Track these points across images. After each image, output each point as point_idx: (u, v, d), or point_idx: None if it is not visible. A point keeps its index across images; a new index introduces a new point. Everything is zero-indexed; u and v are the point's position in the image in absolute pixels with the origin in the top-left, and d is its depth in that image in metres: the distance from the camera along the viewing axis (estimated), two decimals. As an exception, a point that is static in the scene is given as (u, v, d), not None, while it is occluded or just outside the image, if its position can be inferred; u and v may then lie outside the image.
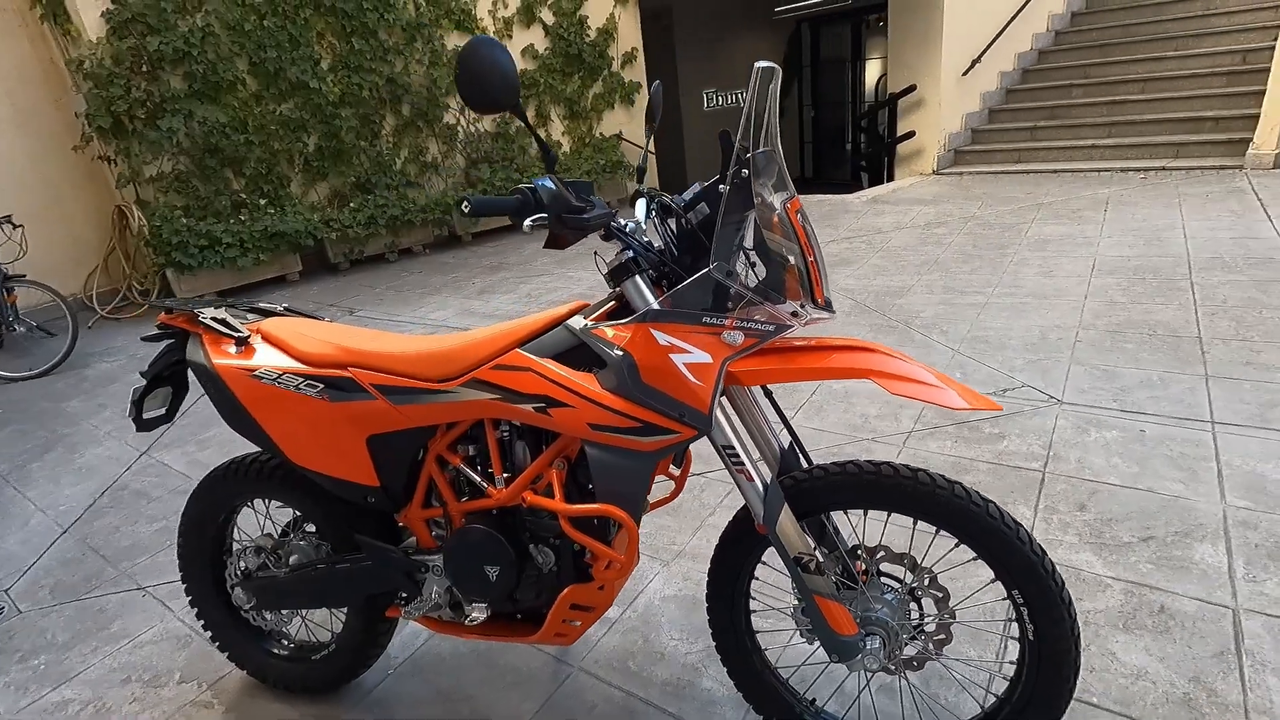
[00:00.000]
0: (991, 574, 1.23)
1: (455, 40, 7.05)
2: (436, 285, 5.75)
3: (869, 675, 1.34)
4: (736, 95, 11.10)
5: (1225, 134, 6.30)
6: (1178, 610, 1.68)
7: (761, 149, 1.16)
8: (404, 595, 1.59)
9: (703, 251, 1.29)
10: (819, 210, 6.81)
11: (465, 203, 1.12)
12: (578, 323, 1.29)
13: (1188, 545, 1.88)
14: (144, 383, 1.60)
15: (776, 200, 1.21)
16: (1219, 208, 5.07)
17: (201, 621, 1.79)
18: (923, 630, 1.32)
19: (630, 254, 1.25)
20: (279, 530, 1.73)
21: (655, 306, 1.22)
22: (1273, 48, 6.32)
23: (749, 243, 1.19)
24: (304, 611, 1.80)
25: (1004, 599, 1.23)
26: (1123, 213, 5.29)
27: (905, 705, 1.50)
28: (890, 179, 8.17)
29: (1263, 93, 5.96)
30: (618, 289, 1.30)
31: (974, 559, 1.24)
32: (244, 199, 5.95)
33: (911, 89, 7.42)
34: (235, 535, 1.79)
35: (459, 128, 7.22)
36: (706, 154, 10.55)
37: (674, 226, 1.37)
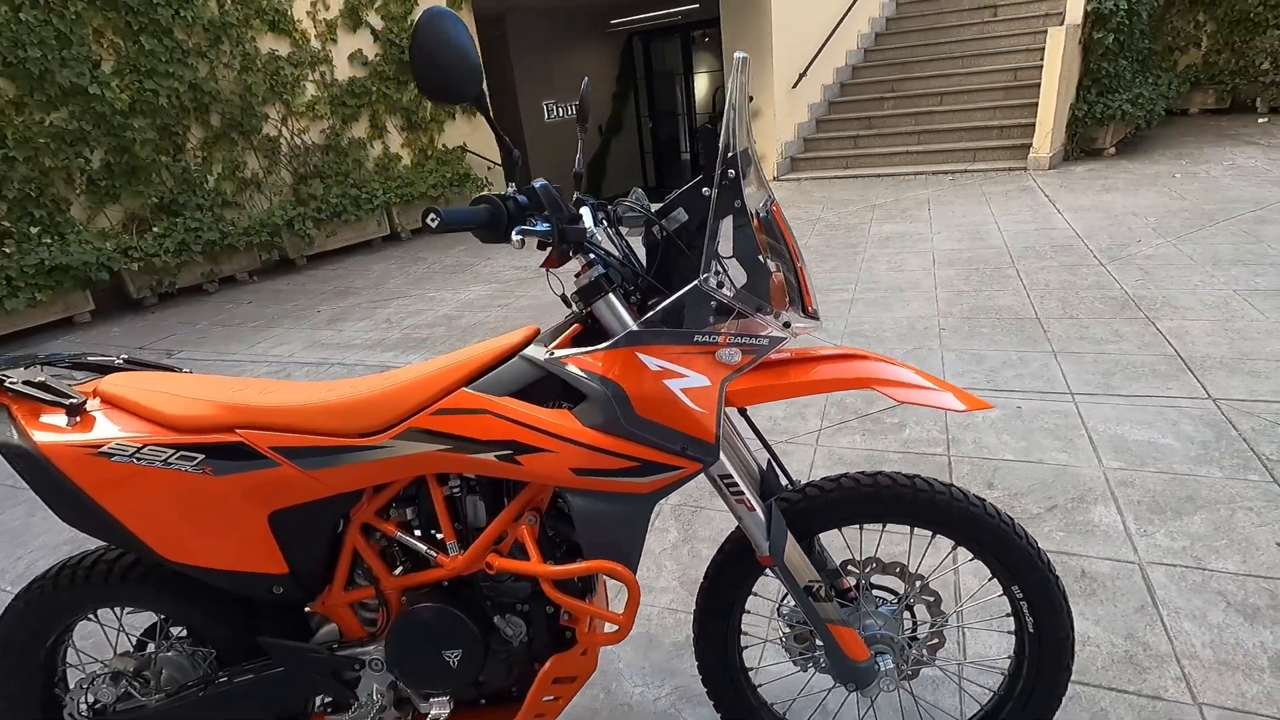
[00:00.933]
0: (988, 572, 1.23)
1: (270, 43, 6.34)
2: (273, 316, 5.09)
3: (874, 697, 1.28)
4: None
5: (1010, 140, 7.27)
6: (1096, 572, 1.82)
7: (743, 146, 1.06)
8: (328, 703, 1.29)
9: (673, 263, 1.17)
10: (676, 218, 6.93)
11: (433, 215, 0.91)
12: (538, 353, 1.11)
13: (1086, 509, 2.05)
14: None
15: (759, 203, 1.11)
16: (1018, 204, 5.81)
17: None
18: (915, 638, 1.29)
19: (601, 270, 1.09)
20: (135, 642, 1.36)
21: (635, 327, 1.07)
22: (1038, 67, 7.41)
23: (738, 250, 1.08)
24: None
25: (1000, 595, 1.22)
26: (944, 210, 5.89)
27: (906, 713, 1.46)
28: (735, 186, 8.55)
29: (1035, 105, 6.96)
30: (583, 310, 1.13)
31: (961, 557, 1.22)
32: (8, 227, 4.89)
33: (748, 100, 7.82)
34: (67, 660, 1.38)
35: (281, 140, 6.49)
36: (551, 168, 10.42)
37: (626, 238, 1.23)
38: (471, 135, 8.20)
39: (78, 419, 1.13)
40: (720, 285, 1.06)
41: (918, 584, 1.25)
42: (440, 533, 1.19)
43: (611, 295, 1.08)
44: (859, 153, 7.90)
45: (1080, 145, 7.24)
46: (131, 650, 1.33)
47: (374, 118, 7.24)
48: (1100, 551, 1.88)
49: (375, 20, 7.09)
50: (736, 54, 1.04)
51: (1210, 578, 1.75)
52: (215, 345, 4.53)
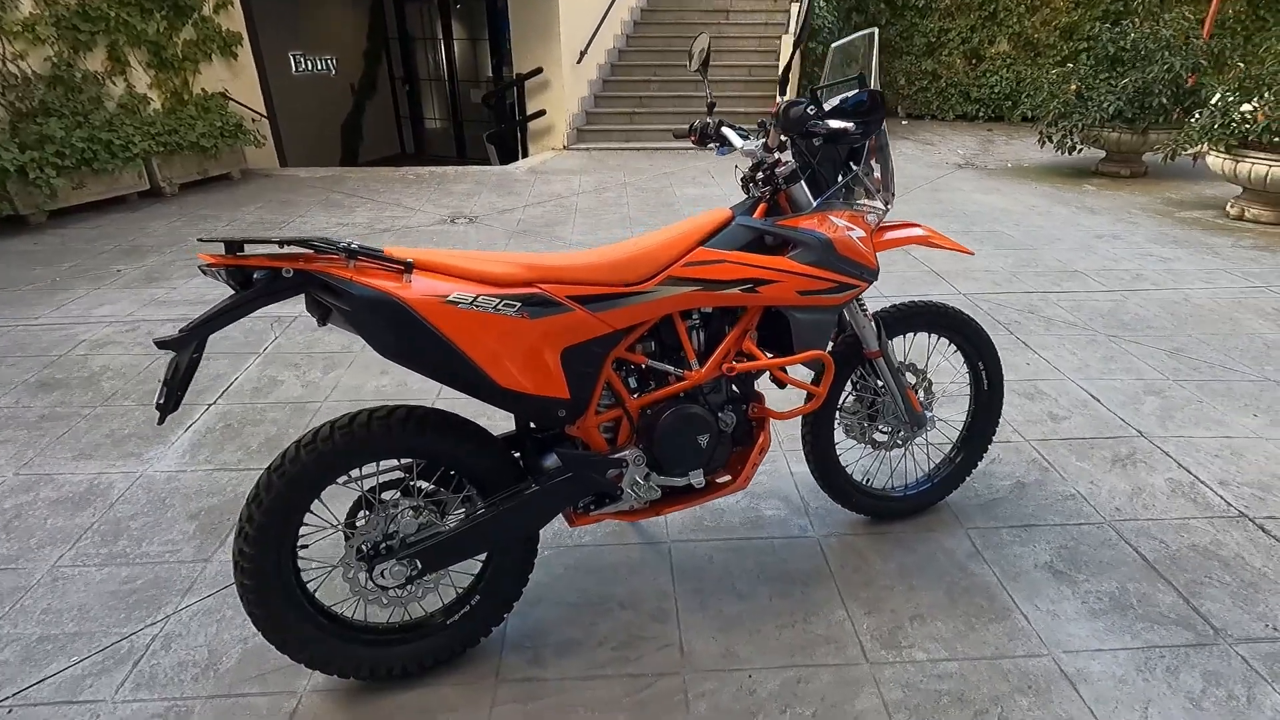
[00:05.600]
0: (968, 365, 2.09)
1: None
2: (55, 278, 4.25)
3: (906, 446, 2.08)
4: (327, 61, 10.30)
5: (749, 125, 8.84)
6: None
7: (878, 88, 1.71)
8: (590, 502, 1.66)
9: (825, 160, 1.77)
10: (493, 180, 7.14)
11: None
12: (752, 221, 1.64)
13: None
14: (187, 355, 1.29)
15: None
16: (777, 175, 7.26)
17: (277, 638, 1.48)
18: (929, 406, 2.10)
19: (795, 163, 1.66)
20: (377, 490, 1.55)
21: (816, 203, 1.67)
22: (767, 65, 9.09)
23: (872, 155, 1.74)
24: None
25: (968, 372, 2.09)
26: (729, 177, 7.09)
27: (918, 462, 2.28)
28: (525, 153, 8.91)
29: (770, 96, 8.58)
30: (774, 191, 1.68)
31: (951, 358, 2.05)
32: None
33: (538, 71, 8.22)
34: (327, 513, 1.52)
35: (-11, 66, 5.17)
36: (306, 126, 9.57)
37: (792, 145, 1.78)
38: (233, 81, 7.27)
39: (411, 278, 1.36)
40: (868, 174, 1.72)
41: (924, 378, 2.06)
42: (686, 355, 1.65)
43: (803, 181, 1.67)
44: (636, 127, 8.86)
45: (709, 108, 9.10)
46: (423, 490, 1.53)
47: (113, 49, 6.06)
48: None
49: (104, -69, 5.92)
50: (871, 31, 1.69)
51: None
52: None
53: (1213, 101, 5.48)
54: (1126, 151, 6.98)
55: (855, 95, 1.69)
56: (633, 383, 1.68)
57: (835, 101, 1.83)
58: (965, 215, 5.66)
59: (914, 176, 7.07)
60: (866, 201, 1.76)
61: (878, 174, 1.80)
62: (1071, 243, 4.94)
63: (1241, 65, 5.62)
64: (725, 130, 1.85)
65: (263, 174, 7.38)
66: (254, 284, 1.32)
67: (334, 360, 3.19)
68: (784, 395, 2.39)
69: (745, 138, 1.81)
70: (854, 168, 1.73)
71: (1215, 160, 5.39)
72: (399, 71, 12.13)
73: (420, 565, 1.49)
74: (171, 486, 2.32)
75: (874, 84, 1.73)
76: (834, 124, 1.58)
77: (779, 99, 1.68)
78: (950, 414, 2.48)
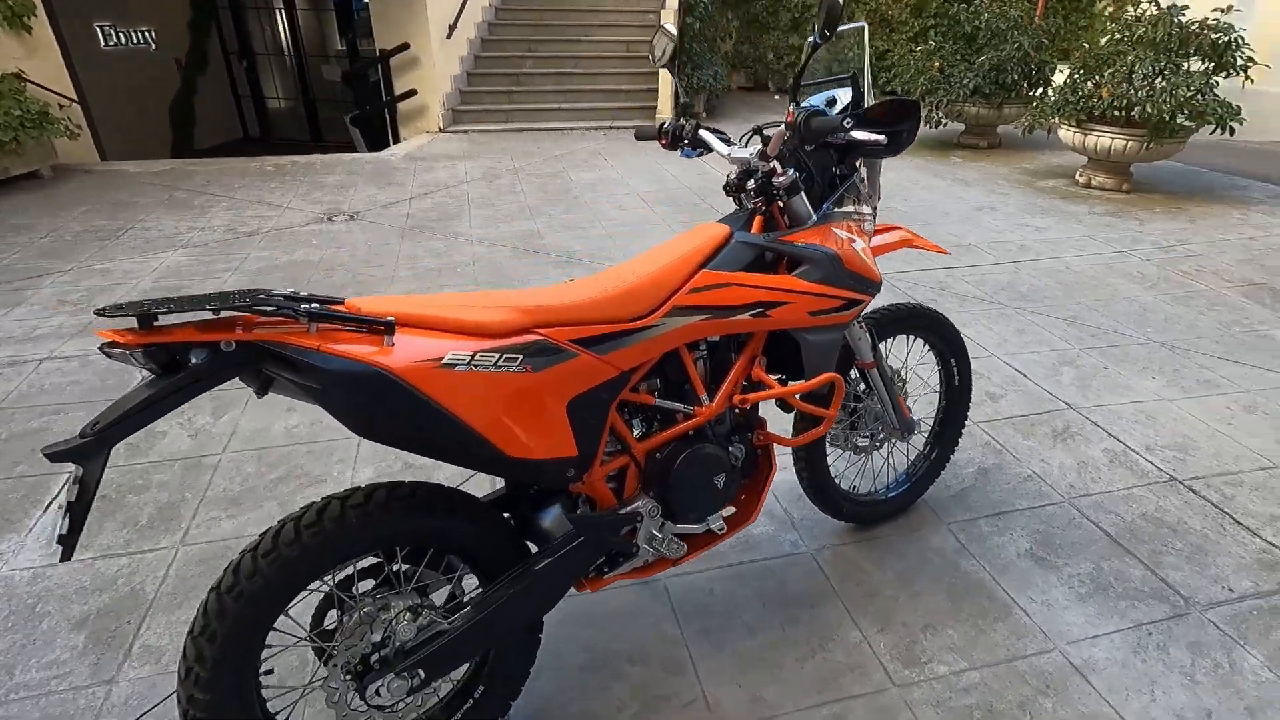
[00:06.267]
0: (940, 361, 2.08)
1: None
2: None
3: (889, 452, 2.06)
4: (144, 33, 8.93)
5: (638, 103, 8.69)
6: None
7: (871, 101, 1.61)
8: (602, 563, 1.48)
9: (816, 164, 1.65)
10: (368, 169, 6.50)
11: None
12: (753, 238, 1.50)
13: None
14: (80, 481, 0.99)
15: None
16: (671, 155, 7.15)
17: None
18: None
19: (796, 174, 1.53)
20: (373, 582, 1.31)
21: (815, 216, 1.55)
22: (643, 40, 8.93)
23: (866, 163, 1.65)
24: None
25: (940, 369, 2.09)
26: (618, 160, 6.91)
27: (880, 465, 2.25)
28: (395, 137, 8.21)
29: (646, 72, 8.45)
30: (760, 203, 1.54)
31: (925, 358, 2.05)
32: None
33: (405, 47, 7.55)
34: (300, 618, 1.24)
35: None
36: (125, 106, 8.28)
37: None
38: (28, 60, 6.09)
39: (394, 340, 1.12)
40: (861, 181, 1.63)
41: (904, 379, 2.04)
42: (695, 389, 1.49)
43: (803, 193, 1.54)
44: (515, 107, 8.42)
45: (684, 110, 9.06)
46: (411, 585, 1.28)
47: None
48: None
49: None
50: (859, 24, 1.58)
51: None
52: None
53: (1062, 79, 5.99)
54: (984, 125, 7.53)
55: (884, 101, 1.58)
56: (637, 425, 1.50)
57: (820, 99, 1.72)
58: (857, 192, 5.85)
59: (800, 153, 7.23)
60: (857, 208, 1.67)
61: (866, 175, 1.72)
62: (958, 216, 5.24)
63: (1086, 45, 6.18)
64: (704, 134, 1.69)
65: (81, 170, 6.29)
66: (183, 366, 1.01)
67: (225, 399, 2.73)
68: (783, 416, 2.30)
69: (728, 142, 1.66)
70: (857, 171, 1.63)
71: (1066, 133, 5.90)
72: (233, 45, 10.79)
73: (424, 674, 1.26)
74: (40, 588, 1.86)
75: (867, 86, 1.63)
76: (862, 136, 1.44)
77: (793, 110, 1.54)
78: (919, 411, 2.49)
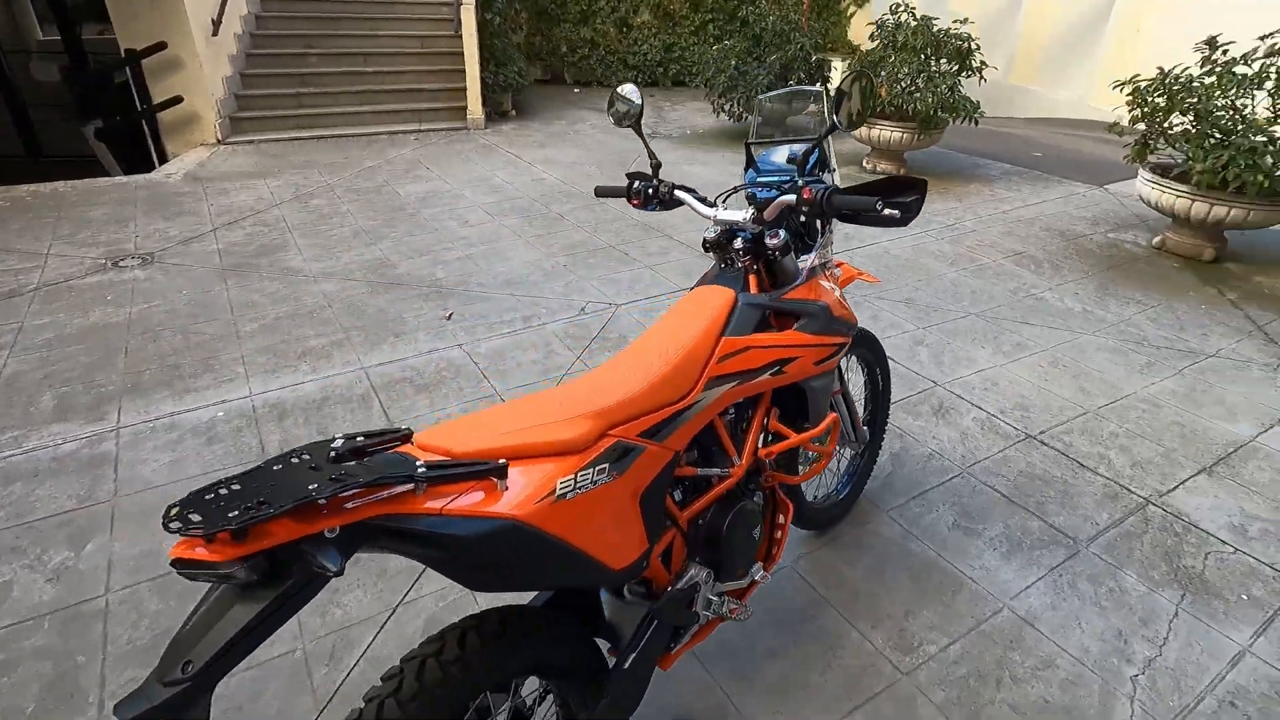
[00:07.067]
0: (867, 370, 2.33)
1: None
2: None
3: (837, 459, 2.27)
4: None
5: (448, 103, 8.25)
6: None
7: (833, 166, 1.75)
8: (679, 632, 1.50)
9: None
10: (142, 196, 5.46)
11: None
12: (758, 299, 1.58)
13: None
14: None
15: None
16: (497, 160, 6.93)
17: None
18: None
19: (786, 236, 1.62)
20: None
21: (803, 271, 1.67)
22: (440, 36, 8.49)
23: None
24: None
25: (865, 377, 2.34)
26: (446, 168, 6.54)
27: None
28: (161, 153, 6.97)
29: (448, 70, 8.06)
30: (750, 262, 1.62)
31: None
32: None
33: (162, 46, 6.38)
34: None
35: None
36: None
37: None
38: None
39: (505, 480, 1.05)
40: (830, 232, 1.77)
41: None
42: (727, 450, 1.55)
43: (792, 250, 1.65)
44: (306, 111, 7.57)
45: (493, 108, 8.80)
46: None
47: None
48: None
49: None
50: (820, 87, 1.71)
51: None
52: None
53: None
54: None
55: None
56: (678, 496, 1.53)
57: (780, 157, 1.82)
58: (689, 190, 6.14)
59: (622, 150, 7.40)
60: (828, 258, 1.82)
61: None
62: (784, 209, 5.74)
63: (862, 47, 7.02)
64: (683, 195, 1.72)
65: None
66: (287, 570, 0.86)
67: (72, 520, 2.23)
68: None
69: (708, 203, 1.70)
70: (829, 229, 1.77)
71: (854, 127, 6.70)
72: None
73: None
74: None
75: (831, 150, 1.76)
76: (890, 213, 1.48)
77: (805, 184, 1.61)
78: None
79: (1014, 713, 1.76)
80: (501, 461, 1.01)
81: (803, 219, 1.73)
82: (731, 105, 7.92)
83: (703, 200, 1.72)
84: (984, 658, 1.89)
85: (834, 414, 1.73)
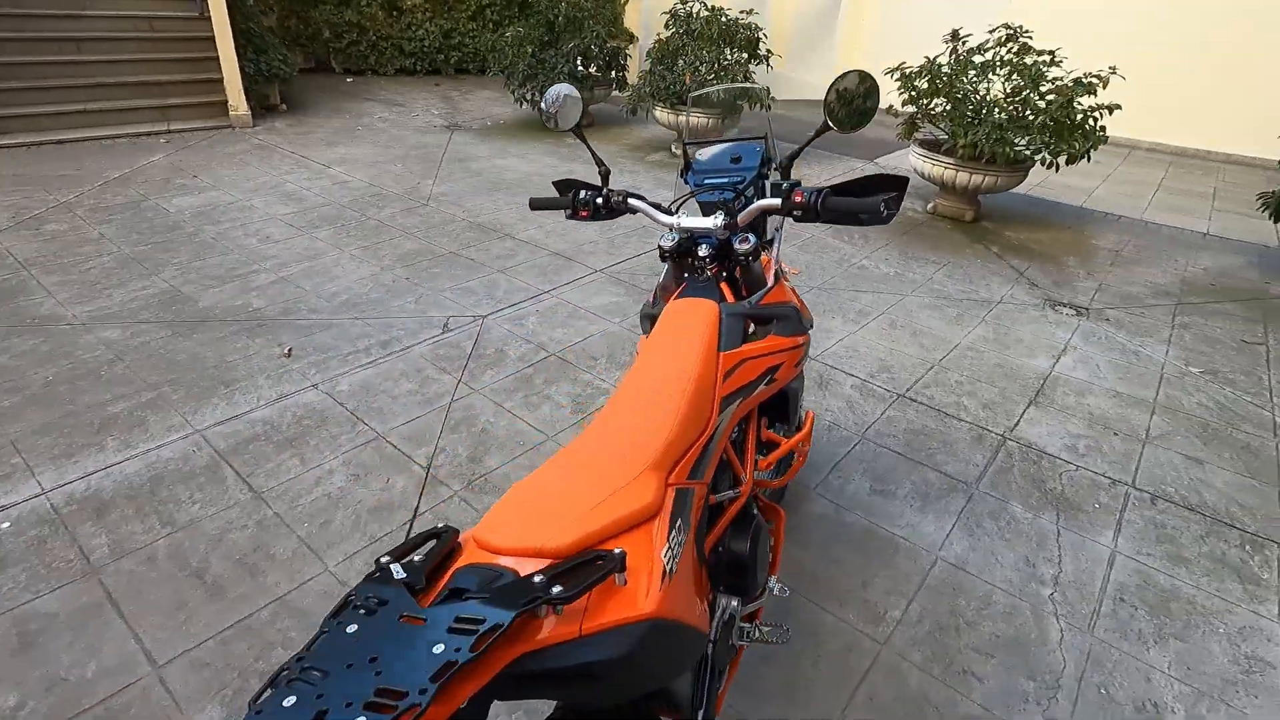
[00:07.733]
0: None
1: None
2: None
3: None
4: None
5: (200, 96, 7.00)
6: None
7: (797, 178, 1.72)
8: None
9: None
10: None
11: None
12: (743, 307, 1.54)
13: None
14: None
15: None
16: (279, 162, 6.04)
17: None
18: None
19: (755, 241, 1.58)
20: None
21: (773, 269, 1.65)
22: (171, 17, 7.18)
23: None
24: None
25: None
26: (215, 174, 5.56)
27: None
28: None
29: (184, 59, 6.89)
30: (716, 269, 1.57)
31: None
32: None
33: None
34: None
35: None
36: None
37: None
38: None
39: (625, 573, 0.91)
40: (780, 230, 1.76)
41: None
42: (735, 466, 1.48)
43: (763, 254, 1.62)
44: (8, 113, 5.97)
45: (259, 102, 7.66)
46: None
47: None
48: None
49: None
50: (754, 84, 1.67)
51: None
52: None
53: (647, 66, 6.91)
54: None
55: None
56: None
57: (723, 155, 1.77)
58: (507, 187, 5.86)
59: (424, 145, 6.87)
60: (777, 252, 1.81)
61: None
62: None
63: (661, 35, 7.16)
64: (637, 203, 1.60)
65: None
66: None
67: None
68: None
69: (667, 211, 1.60)
70: (780, 229, 1.75)
71: (662, 114, 6.89)
72: None
73: None
74: None
75: (774, 146, 1.74)
76: (888, 212, 1.47)
77: (794, 186, 1.54)
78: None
79: (978, 654, 1.94)
80: (619, 551, 0.85)
81: (796, 219, 1.67)
82: (532, 94, 7.70)
83: (657, 207, 1.62)
84: (939, 609, 2.06)
85: (811, 411, 1.75)
